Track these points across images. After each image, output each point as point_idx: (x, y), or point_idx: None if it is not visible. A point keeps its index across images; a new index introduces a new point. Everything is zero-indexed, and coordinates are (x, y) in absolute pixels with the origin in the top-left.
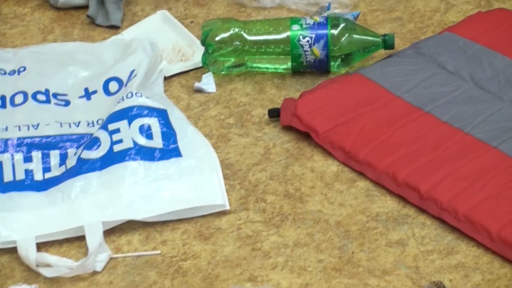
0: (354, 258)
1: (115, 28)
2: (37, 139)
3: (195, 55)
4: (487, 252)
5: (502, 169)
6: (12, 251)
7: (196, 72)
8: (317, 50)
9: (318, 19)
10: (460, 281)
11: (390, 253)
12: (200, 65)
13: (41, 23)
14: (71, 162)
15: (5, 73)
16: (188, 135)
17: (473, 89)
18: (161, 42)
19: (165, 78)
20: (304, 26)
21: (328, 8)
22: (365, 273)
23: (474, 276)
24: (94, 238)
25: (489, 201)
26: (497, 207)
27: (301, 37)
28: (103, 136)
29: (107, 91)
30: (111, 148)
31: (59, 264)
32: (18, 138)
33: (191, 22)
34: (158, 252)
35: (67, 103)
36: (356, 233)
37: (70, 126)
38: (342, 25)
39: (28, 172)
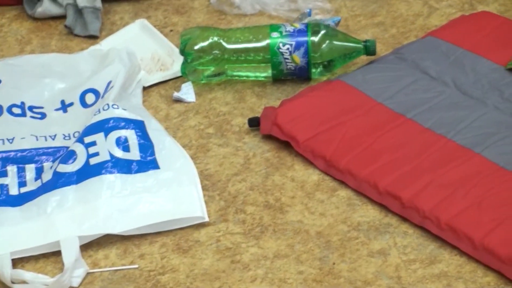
0: (335, 269)
1: (93, 38)
2: (12, 153)
3: (175, 64)
4: (470, 260)
5: (485, 175)
6: None
7: (176, 81)
8: (298, 57)
9: (298, 25)
10: None
11: (372, 263)
12: (180, 74)
13: (19, 34)
14: (47, 176)
15: None
16: (166, 146)
17: (456, 94)
18: (139, 52)
19: (144, 88)
20: (284, 33)
21: (309, 14)
22: (346, 284)
23: (457, 285)
24: (70, 253)
25: (472, 209)
26: (480, 215)
27: (281, 44)
28: (79, 149)
29: (83, 103)
30: (87, 161)
31: (34, 280)
32: None
33: (171, 30)
34: (136, 266)
35: (43, 115)
36: (337, 244)
37: (46, 139)
38: (322, 32)
39: (4, 187)
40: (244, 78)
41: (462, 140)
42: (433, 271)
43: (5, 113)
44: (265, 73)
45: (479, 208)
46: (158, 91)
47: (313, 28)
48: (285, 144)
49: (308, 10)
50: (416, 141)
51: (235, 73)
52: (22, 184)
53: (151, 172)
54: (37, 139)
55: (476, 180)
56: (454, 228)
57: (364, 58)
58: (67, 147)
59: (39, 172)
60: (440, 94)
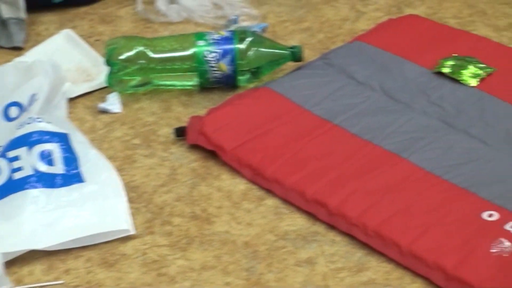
0: (262, 280)
1: (18, 50)
2: None
3: (101, 74)
4: (397, 267)
5: (412, 181)
6: None
7: (102, 92)
8: (224, 65)
9: (224, 33)
10: None
11: (299, 272)
12: (105, 84)
13: None
14: None
15: None
16: (91, 159)
17: (383, 99)
18: (65, 62)
19: (70, 100)
20: (210, 41)
21: (236, 21)
22: None
23: None
24: None
25: (399, 215)
26: (408, 221)
27: (207, 52)
28: (2, 164)
29: (7, 117)
30: (10, 176)
31: None
32: None
33: (97, 40)
34: (61, 282)
35: None
36: (264, 253)
37: None
38: (249, 39)
39: None
40: (171, 87)
41: (389, 145)
42: (360, 278)
43: None
44: (192, 81)
45: (407, 214)
46: (84, 102)
47: (240, 35)
48: (212, 154)
49: (234, 17)
50: (343, 148)
51: (161, 82)
52: None
53: (75, 185)
54: None
55: (403, 186)
56: (382, 234)
57: (291, 64)
58: None
59: None
60: (367, 99)
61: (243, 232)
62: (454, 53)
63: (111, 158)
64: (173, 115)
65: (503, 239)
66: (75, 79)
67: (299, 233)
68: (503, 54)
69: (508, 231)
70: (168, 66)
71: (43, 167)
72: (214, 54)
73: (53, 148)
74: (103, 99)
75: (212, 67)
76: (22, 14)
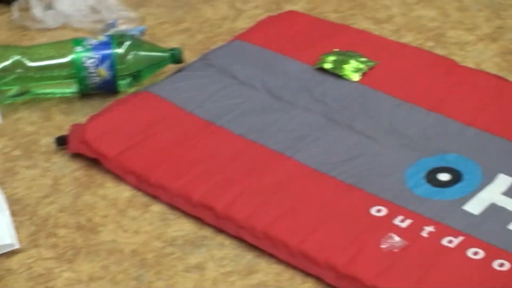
0: None
1: None
2: None
3: None
4: (288, 268)
5: (299, 179)
6: None
7: None
8: (103, 70)
9: (102, 38)
10: None
11: (189, 278)
12: None
13: None
14: None
15: None
16: None
17: (266, 98)
18: None
19: None
20: (87, 47)
21: (114, 25)
22: None
23: None
24: None
25: (287, 215)
26: (296, 220)
27: (85, 58)
28: None
29: None
30: None
31: None
32: None
33: None
34: None
35: None
36: (153, 261)
37: None
38: (127, 43)
39: None
40: (50, 95)
41: (274, 144)
42: (251, 281)
43: None
44: (71, 89)
45: (294, 213)
46: None
47: (118, 39)
48: (95, 162)
49: (112, 21)
50: (227, 149)
51: (40, 91)
52: None
53: None
54: None
55: (290, 185)
56: (270, 235)
57: (172, 67)
58: None
59: None
60: (249, 98)
61: (130, 240)
62: (336, 48)
63: None
64: (54, 124)
65: (392, 234)
66: None
67: (187, 238)
68: (384, 47)
69: (397, 225)
70: (47, 74)
71: None
72: (92, 60)
73: None
74: None
75: (91, 73)
76: None
